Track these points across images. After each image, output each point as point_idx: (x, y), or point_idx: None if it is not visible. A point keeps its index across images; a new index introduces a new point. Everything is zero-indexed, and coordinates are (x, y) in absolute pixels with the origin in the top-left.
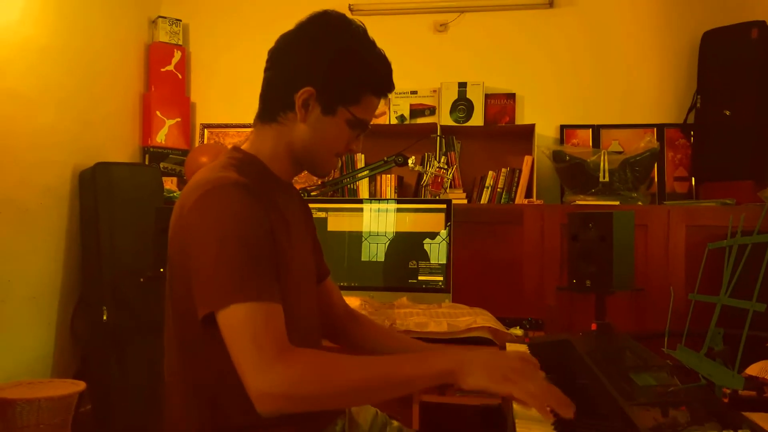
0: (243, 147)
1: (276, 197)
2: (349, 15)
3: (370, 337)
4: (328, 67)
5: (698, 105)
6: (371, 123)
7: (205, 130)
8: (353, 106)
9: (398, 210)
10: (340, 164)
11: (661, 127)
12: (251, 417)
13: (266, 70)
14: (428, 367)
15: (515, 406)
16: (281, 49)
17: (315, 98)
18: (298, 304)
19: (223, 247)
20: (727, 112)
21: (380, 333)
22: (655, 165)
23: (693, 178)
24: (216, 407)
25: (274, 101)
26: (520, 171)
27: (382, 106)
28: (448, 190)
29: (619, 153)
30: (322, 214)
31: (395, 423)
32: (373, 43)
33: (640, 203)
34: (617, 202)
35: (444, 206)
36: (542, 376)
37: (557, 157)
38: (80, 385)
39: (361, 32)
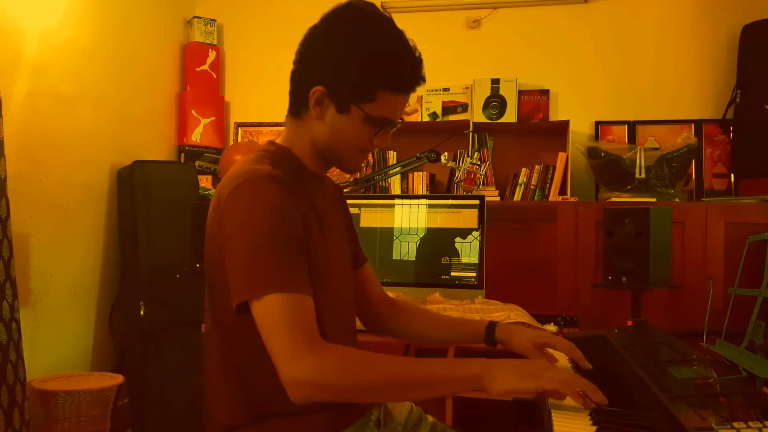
0: (278, 140)
1: (308, 189)
2: None
3: (412, 324)
4: (337, 65)
5: (738, 100)
6: (400, 119)
7: (240, 128)
8: (368, 103)
9: (430, 206)
10: (372, 161)
11: (699, 123)
12: (287, 402)
13: (293, 63)
14: (456, 370)
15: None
16: (302, 45)
17: (327, 96)
18: (335, 295)
19: (256, 239)
20: None
21: (424, 319)
22: (693, 161)
23: (732, 175)
24: (253, 393)
25: (296, 98)
26: (554, 168)
27: (414, 103)
28: (481, 187)
29: (656, 149)
30: (355, 210)
31: (430, 418)
32: (394, 38)
33: (677, 200)
34: (654, 199)
35: (477, 202)
36: (569, 370)
37: (592, 153)
38: (118, 379)
39: (381, 27)
